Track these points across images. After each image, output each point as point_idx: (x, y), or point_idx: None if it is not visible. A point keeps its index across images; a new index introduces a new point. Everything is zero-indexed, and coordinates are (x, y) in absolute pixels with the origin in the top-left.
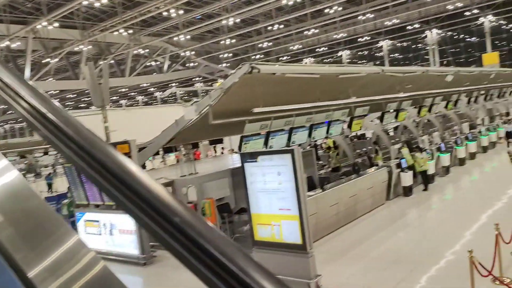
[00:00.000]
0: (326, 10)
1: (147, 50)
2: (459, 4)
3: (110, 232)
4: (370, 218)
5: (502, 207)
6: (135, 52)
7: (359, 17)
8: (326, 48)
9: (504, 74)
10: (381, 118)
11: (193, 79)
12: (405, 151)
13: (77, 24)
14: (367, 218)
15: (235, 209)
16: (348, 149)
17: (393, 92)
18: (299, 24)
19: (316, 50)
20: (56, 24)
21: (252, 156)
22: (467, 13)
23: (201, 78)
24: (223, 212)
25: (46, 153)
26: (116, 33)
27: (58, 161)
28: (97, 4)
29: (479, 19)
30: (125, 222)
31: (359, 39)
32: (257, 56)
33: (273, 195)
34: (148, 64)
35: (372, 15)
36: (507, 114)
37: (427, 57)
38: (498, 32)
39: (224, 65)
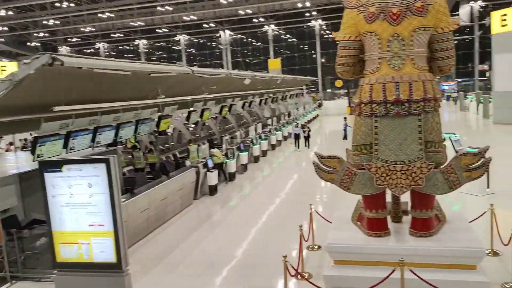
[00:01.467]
0: None
1: None
2: (249, 11)
3: None
4: (180, 221)
5: (287, 199)
6: None
7: (158, 8)
8: (122, 35)
9: (287, 80)
10: (187, 117)
11: None
12: (193, 147)
13: None
14: (177, 220)
15: (24, 221)
16: (152, 146)
17: (199, 92)
18: (92, 5)
19: (111, 35)
20: None
21: (55, 165)
22: (255, 20)
23: None
24: (9, 227)
25: None
26: None
27: None
28: None
29: (264, 27)
30: None
31: (157, 30)
32: (40, 34)
33: (82, 210)
34: None
35: (171, 8)
36: (289, 114)
37: (221, 55)
38: (279, 40)
39: None
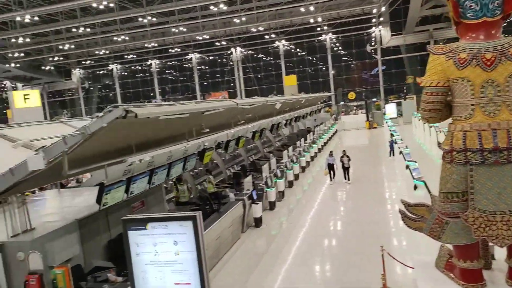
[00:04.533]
0: (140, 19)
1: None
2: (260, 28)
3: None
4: (233, 259)
5: (336, 232)
6: None
7: (173, 30)
8: (135, 56)
9: (311, 99)
10: (225, 147)
11: None
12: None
13: None
14: (230, 258)
15: (85, 269)
16: (191, 180)
17: (235, 121)
18: (106, 28)
19: (124, 56)
20: None
21: (139, 223)
22: (266, 37)
23: None
24: (75, 279)
25: None
26: None
27: None
28: None
29: (275, 42)
30: None
31: (169, 50)
32: (55, 58)
33: (167, 268)
34: None
35: (185, 29)
36: (313, 132)
37: (233, 72)
38: (290, 55)
39: (12, 65)
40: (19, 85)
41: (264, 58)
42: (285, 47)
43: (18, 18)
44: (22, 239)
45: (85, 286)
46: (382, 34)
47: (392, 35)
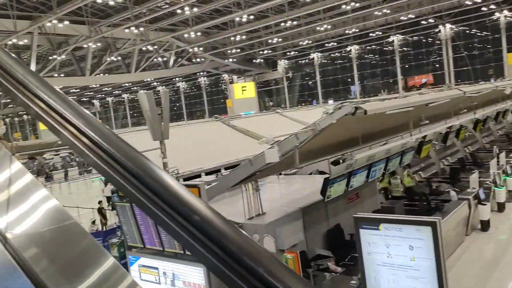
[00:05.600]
0: (343, 6)
1: (156, 47)
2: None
3: (172, 282)
4: (459, 263)
5: None
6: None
7: (375, 13)
8: (335, 43)
9: None
10: (444, 139)
11: (196, 74)
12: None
13: (84, 19)
14: (455, 263)
15: (308, 256)
16: (402, 173)
17: (456, 110)
18: (309, 19)
19: (325, 45)
20: (66, 22)
21: (372, 222)
22: (483, 8)
23: (204, 72)
24: (301, 265)
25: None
26: (127, 30)
27: (70, 162)
28: (111, 2)
29: (495, 14)
30: (191, 274)
31: (370, 34)
32: (265, 52)
33: (401, 272)
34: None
35: (389, 11)
36: None
37: (440, 52)
38: None
39: (230, 60)
40: (235, 77)
41: (478, 34)
42: (508, 18)
43: (237, 19)
44: (257, 222)
45: (310, 273)
46: None
47: None
